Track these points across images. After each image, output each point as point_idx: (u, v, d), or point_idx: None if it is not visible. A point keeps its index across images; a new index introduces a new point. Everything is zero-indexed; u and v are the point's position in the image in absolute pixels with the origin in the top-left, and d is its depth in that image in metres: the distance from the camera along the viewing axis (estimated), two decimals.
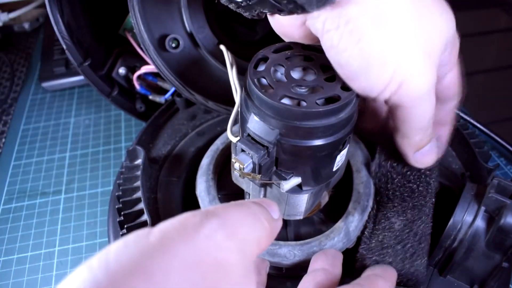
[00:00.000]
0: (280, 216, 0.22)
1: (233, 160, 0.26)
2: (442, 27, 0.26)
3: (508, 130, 0.53)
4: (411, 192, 0.33)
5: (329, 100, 0.25)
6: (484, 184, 0.34)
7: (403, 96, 0.25)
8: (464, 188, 0.32)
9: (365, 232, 0.33)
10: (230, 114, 0.31)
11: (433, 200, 0.33)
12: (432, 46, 0.25)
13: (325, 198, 0.33)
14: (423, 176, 0.33)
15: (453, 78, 0.30)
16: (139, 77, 0.50)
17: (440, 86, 0.29)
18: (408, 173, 0.34)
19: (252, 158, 0.25)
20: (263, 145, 0.25)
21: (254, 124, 0.26)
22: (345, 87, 0.26)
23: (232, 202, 0.20)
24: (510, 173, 0.49)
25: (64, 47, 0.43)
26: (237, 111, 0.32)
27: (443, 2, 0.26)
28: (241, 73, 0.36)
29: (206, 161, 0.38)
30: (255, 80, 0.26)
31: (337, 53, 0.24)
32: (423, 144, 0.30)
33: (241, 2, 0.24)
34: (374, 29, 0.23)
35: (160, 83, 0.51)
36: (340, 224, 0.33)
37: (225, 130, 0.44)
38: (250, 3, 0.23)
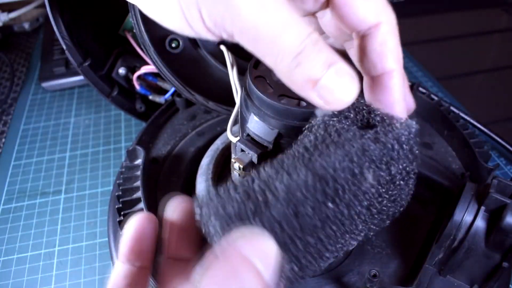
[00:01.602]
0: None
1: (233, 160, 0.26)
2: None
3: (508, 130, 0.53)
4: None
5: None
6: (484, 184, 0.34)
7: (230, 17, 0.20)
8: (464, 188, 0.32)
9: None
10: (230, 114, 0.31)
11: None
12: None
13: None
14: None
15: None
16: (139, 77, 0.50)
17: (339, 15, 0.23)
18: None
19: (251, 158, 0.25)
20: (262, 145, 0.25)
21: (254, 124, 0.26)
22: None
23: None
24: (510, 173, 0.49)
25: (64, 47, 0.43)
26: (237, 111, 0.32)
27: None
28: (241, 73, 0.36)
29: (206, 161, 0.38)
30: (255, 80, 0.26)
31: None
32: (316, 73, 0.20)
33: None
34: None
35: (160, 83, 0.51)
36: None
37: (225, 130, 0.44)
38: None
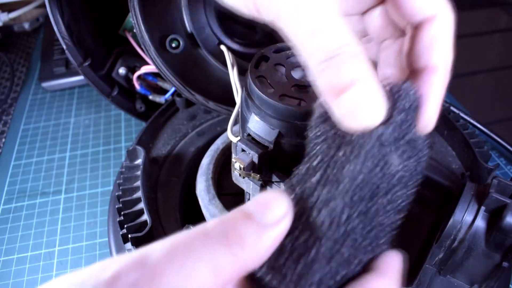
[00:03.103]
0: (283, 212, 0.18)
1: (233, 159, 0.26)
2: None
3: (508, 130, 0.53)
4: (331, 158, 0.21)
5: None
6: (484, 184, 0.34)
7: (266, 7, 0.20)
8: (464, 188, 0.32)
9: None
10: (230, 114, 0.31)
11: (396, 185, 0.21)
12: None
13: None
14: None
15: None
16: (139, 77, 0.50)
17: (394, 7, 0.23)
18: None
19: (252, 158, 0.25)
20: (263, 145, 0.25)
21: (255, 123, 0.26)
22: None
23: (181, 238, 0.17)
24: (510, 173, 0.49)
25: (64, 47, 0.43)
26: (238, 111, 0.32)
27: None
28: (242, 73, 0.36)
29: (206, 161, 0.38)
30: (256, 80, 0.26)
31: None
32: (338, 83, 0.18)
33: None
34: None
35: (160, 83, 0.51)
36: None
37: (225, 130, 0.44)
38: None
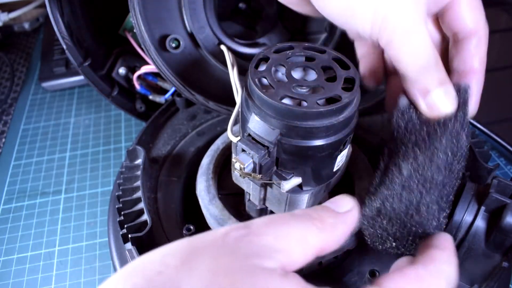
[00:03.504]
0: (352, 205, 0.24)
1: (233, 160, 0.26)
2: None
3: (508, 130, 0.53)
4: (427, 135, 0.28)
5: (330, 100, 0.25)
6: (484, 184, 0.34)
7: (388, 30, 0.26)
8: (464, 188, 0.32)
9: (370, 188, 0.29)
10: (230, 114, 0.31)
11: (462, 152, 0.28)
12: None
13: (325, 198, 0.33)
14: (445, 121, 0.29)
15: (463, 9, 0.28)
16: (139, 77, 0.50)
17: (447, 18, 0.29)
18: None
19: (252, 158, 0.25)
20: (263, 145, 0.25)
21: (255, 124, 0.26)
22: (346, 88, 0.26)
23: (276, 216, 0.21)
24: (510, 173, 0.49)
25: (64, 47, 0.43)
26: (238, 111, 0.32)
27: None
28: (242, 73, 0.36)
29: (206, 161, 0.38)
30: (256, 80, 0.26)
31: (325, 5, 0.27)
32: (430, 87, 0.27)
33: None
34: None
35: (160, 83, 0.51)
36: None
37: (225, 130, 0.44)
38: None
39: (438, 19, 0.31)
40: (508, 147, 0.50)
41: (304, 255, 0.21)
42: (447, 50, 0.31)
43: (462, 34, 0.29)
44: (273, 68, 0.27)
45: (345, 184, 0.38)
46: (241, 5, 0.44)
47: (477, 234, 0.30)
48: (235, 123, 0.31)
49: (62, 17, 0.42)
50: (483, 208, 0.30)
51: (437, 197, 0.27)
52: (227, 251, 0.19)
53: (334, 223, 0.22)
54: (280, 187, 0.29)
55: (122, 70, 0.50)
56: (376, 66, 0.33)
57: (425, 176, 0.27)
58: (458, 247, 0.31)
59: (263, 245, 0.20)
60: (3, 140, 0.56)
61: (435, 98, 0.27)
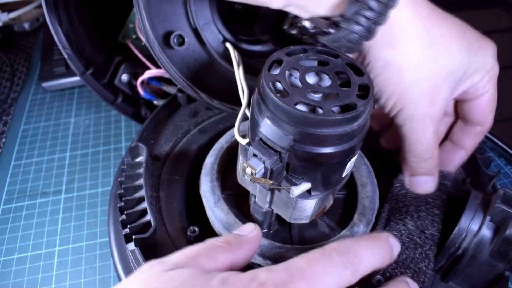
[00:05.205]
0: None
1: (244, 164, 0.25)
2: (457, 60, 0.30)
3: (508, 131, 0.53)
4: (426, 203, 0.34)
5: (344, 108, 0.25)
6: (489, 193, 0.34)
7: (402, 118, 0.31)
8: (469, 196, 0.32)
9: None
10: (235, 113, 0.30)
11: (443, 210, 0.35)
12: (441, 79, 0.30)
13: (330, 202, 0.33)
14: (439, 190, 0.36)
15: (482, 103, 0.33)
16: (142, 82, 0.49)
17: (468, 107, 0.34)
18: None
19: (264, 163, 0.25)
20: (275, 150, 0.25)
21: (267, 128, 0.25)
22: (361, 95, 0.25)
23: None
24: (510, 173, 0.49)
25: (66, 56, 0.43)
26: (244, 112, 0.31)
27: (471, 36, 0.31)
28: (247, 72, 0.36)
29: (210, 160, 0.37)
30: (270, 84, 0.25)
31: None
32: (420, 171, 0.33)
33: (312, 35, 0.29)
34: (387, 70, 0.30)
35: (164, 88, 0.50)
36: (346, 232, 0.33)
37: (228, 127, 0.44)
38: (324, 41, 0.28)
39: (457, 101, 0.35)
40: (507, 149, 0.50)
41: None
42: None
43: (472, 123, 0.34)
44: (286, 72, 0.26)
45: (348, 188, 0.38)
46: (237, 5, 0.43)
47: (482, 243, 0.30)
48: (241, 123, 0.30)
49: (60, 27, 0.41)
50: (488, 217, 0.30)
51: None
52: None
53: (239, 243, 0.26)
54: (289, 192, 0.28)
55: (124, 77, 0.50)
56: (384, 115, 0.35)
57: (427, 233, 0.33)
58: (463, 254, 0.31)
59: None
60: (3, 140, 0.56)
61: (420, 181, 0.34)
